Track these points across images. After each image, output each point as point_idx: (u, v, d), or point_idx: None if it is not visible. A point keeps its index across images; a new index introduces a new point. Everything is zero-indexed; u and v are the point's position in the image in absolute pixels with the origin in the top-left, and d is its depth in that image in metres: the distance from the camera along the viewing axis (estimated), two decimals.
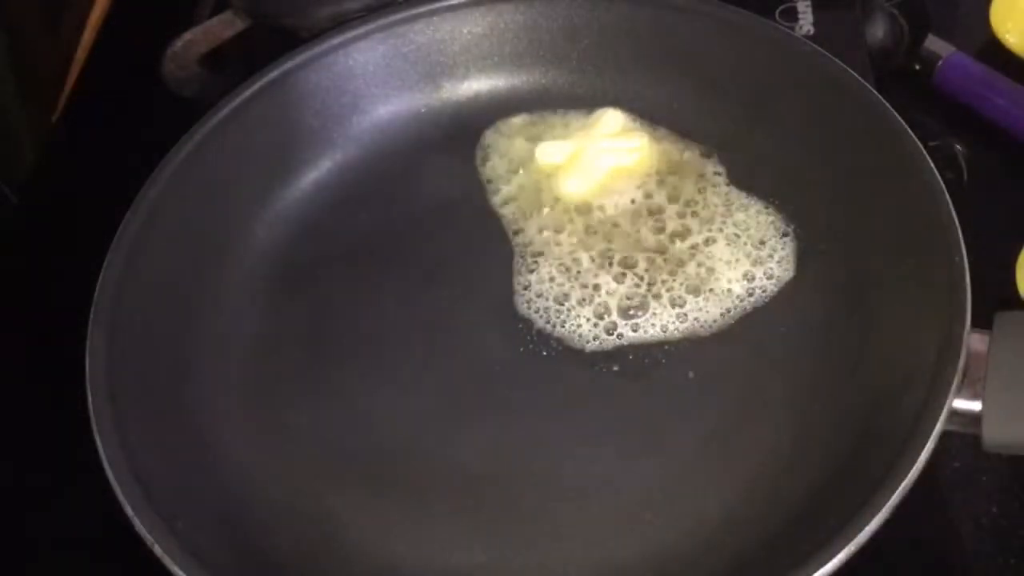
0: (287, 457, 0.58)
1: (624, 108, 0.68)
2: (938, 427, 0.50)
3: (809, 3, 0.73)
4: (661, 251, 0.63)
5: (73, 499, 0.60)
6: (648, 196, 0.65)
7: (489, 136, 0.69)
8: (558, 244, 0.64)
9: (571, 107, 0.69)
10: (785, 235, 0.63)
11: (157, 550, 0.50)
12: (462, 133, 0.69)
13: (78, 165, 0.76)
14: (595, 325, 0.61)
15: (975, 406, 0.51)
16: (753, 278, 0.61)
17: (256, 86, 0.67)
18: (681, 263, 0.62)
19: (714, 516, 0.54)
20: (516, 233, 0.65)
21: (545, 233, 0.64)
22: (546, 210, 0.65)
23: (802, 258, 0.62)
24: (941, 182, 0.57)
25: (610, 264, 0.63)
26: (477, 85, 0.71)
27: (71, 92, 0.80)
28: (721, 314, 0.60)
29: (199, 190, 0.64)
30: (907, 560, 0.55)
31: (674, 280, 0.62)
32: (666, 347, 0.60)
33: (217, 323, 0.62)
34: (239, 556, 0.53)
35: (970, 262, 0.54)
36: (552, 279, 0.62)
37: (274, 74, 0.67)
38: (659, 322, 0.60)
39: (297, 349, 0.62)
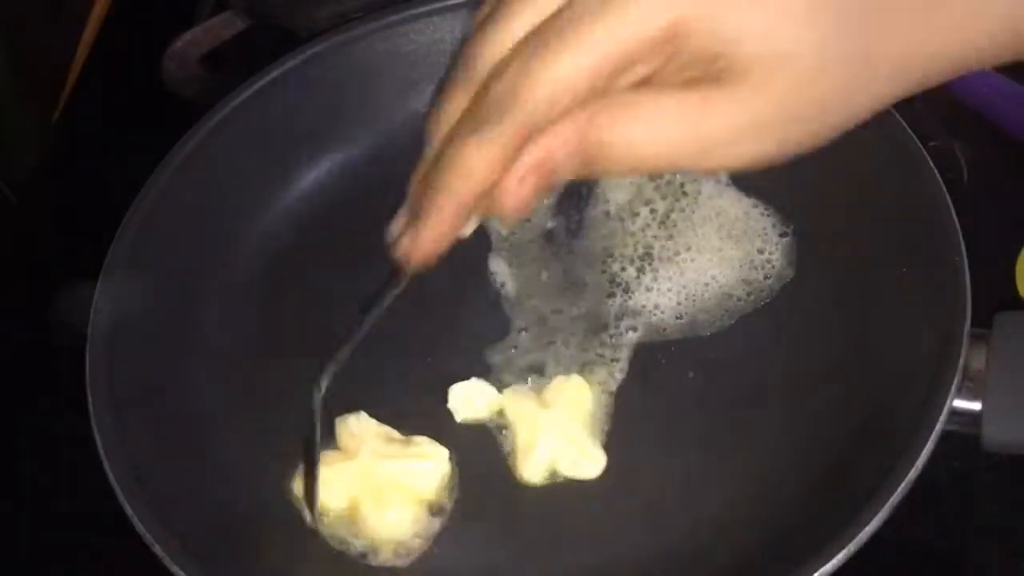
0: (287, 457, 0.58)
1: None
2: (938, 427, 0.50)
3: None
4: (661, 251, 0.63)
5: (73, 499, 0.60)
6: (648, 197, 0.65)
7: None
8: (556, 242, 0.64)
9: None
10: (785, 235, 0.63)
11: (157, 550, 0.50)
12: None
13: (78, 165, 0.76)
14: (594, 325, 0.61)
15: (975, 406, 0.51)
16: (753, 278, 0.61)
17: (256, 86, 0.67)
18: (681, 264, 0.62)
19: (714, 516, 0.54)
20: (514, 232, 0.65)
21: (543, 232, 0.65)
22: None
23: (802, 258, 0.62)
24: (941, 182, 0.57)
25: (609, 265, 0.63)
26: None
27: (71, 92, 0.80)
28: (721, 314, 0.60)
29: (199, 190, 0.64)
30: (907, 560, 0.55)
31: (674, 281, 0.62)
32: (666, 347, 0.60)
33: (217, 323, 0.62)
34: (238, 556, 0.53)
35: (970, 262, 0.54)
36: (551, 278, 0.62)
37: (274, 74, 0.67)
38: (659, 322, 0.60)
39: (297, 348, 0.62)
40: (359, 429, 0.56)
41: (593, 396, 0.57)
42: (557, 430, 0.56)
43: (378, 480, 0.54)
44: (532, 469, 0.55)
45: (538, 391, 0.57)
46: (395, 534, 0.54)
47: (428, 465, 0.55)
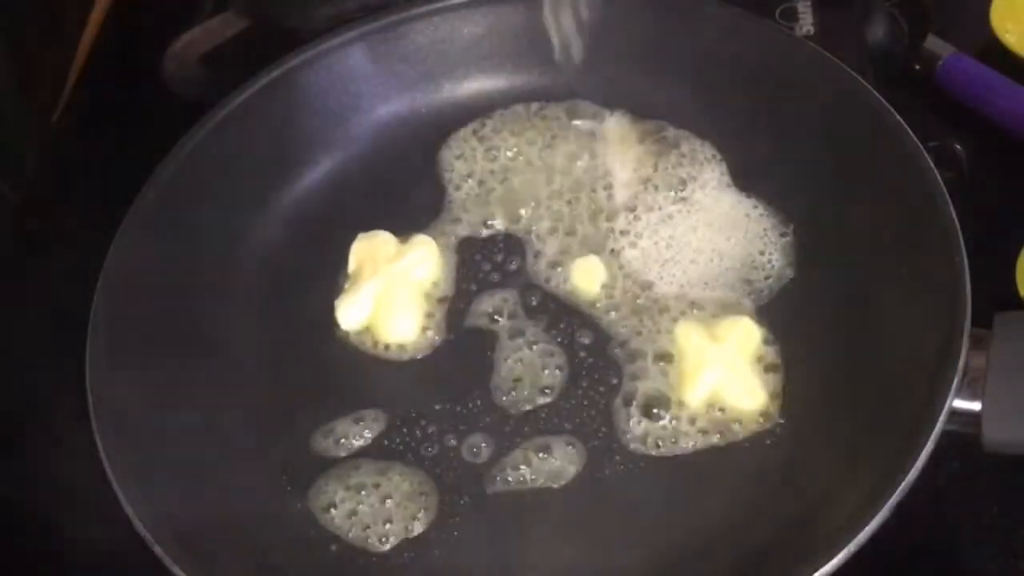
0: (287, 457, 0.58)
1: (625, 107, 0.68)
2: (938, 427, 0.50)
3: (809, 3, 0.72)
4: (662, 252, 0.63)
5: (74, 499, 0.60)
6: (648, 196, 0.65)
7: (488, 135, 0.69)
8: (554, 233, 0.64)
9: (572, 106, 0.69)
10: (785, 235, 0.63)
11: (157, 550, 0.50)
12: (462, 133, 0.69)
13: (78, 165, 0.76)
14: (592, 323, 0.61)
15: (975, 406, 0.51)
16: (753, 278, 0.61)
17: (256, 86, 0.67)
18: (681, 264, 0.62)
19: (715, 518, 0.54)
20: (515, 224, 0.65)
21: (544, 222, 0.65)
22: (543, 202, 0.66)
23: (802, 258, 0.62)
24: (941, 182, 0.57)
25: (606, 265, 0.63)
26: (477, 85, 0.71)
27: (71, 92, 0.80)
28: (721, 314, 0.60)
29: (199, 190, 0.64)
30: (907, 560, 0.55)
31: (675, 281, 0.62)
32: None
33: (217, 323, 0.62)
34: (239, 556, 0.53)
35: (970, 262, 0.54)
36: (555, 263, 0.63)
37: (274, 74, 0.67)
38: (658, 323, 0.61)
39: (297, 348, 0.62)
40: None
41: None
42: (725, 363, 0.57)
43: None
44: (694, 393, 0.57)
45: (709, 327, 0.59)
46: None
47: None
